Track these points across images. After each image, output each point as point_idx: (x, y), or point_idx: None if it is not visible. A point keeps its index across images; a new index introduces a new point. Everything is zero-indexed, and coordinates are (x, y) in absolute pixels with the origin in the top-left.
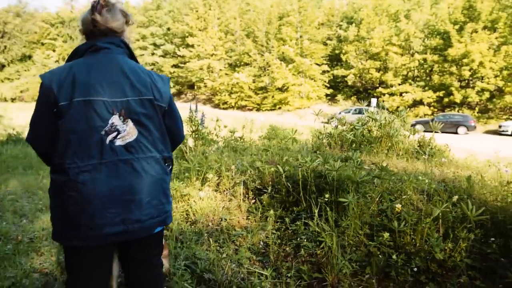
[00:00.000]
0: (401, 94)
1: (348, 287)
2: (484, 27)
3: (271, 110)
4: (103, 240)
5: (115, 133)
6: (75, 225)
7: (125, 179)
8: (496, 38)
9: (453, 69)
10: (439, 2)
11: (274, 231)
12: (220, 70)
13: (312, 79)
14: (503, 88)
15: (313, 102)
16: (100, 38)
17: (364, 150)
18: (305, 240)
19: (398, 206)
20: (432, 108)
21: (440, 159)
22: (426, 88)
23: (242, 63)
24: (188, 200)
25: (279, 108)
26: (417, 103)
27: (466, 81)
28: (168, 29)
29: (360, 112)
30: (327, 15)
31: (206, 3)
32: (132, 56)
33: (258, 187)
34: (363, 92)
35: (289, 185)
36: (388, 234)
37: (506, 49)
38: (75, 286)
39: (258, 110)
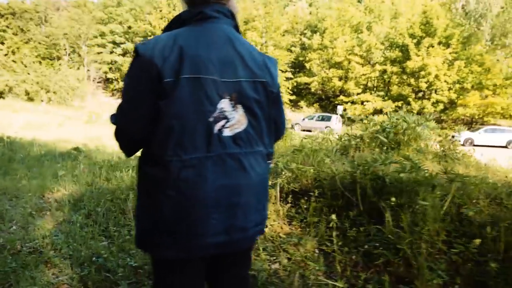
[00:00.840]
0: (362, 103)
1: None
2: (439, 43)
3: None
4: (204, 252)
5: (223, 121)
6: (172, 232)
7: (232, 178)
8: (450, 53)
9: (411, 80)
10: (398, 17)
11: (327, 237)
12: None
13: None
14: (456, 100)
15: None
16: (205, 5)
17: (394, 152)
18: (380, 248)
19: (482, 210)
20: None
21: (468, 162)
22: (386, 97)
23: None
24: None
25: None
26: (377, 111)
27: (423, 92)
28: (129, 27)
29: (323, 119)
30: (292, 23)
31: (170, 3)
32: (238, 31)
33: (296, 190)
34: (325, 99)
35: (342, 188)
36: (479, 240)
37: (459, 64)
38: None
39: None
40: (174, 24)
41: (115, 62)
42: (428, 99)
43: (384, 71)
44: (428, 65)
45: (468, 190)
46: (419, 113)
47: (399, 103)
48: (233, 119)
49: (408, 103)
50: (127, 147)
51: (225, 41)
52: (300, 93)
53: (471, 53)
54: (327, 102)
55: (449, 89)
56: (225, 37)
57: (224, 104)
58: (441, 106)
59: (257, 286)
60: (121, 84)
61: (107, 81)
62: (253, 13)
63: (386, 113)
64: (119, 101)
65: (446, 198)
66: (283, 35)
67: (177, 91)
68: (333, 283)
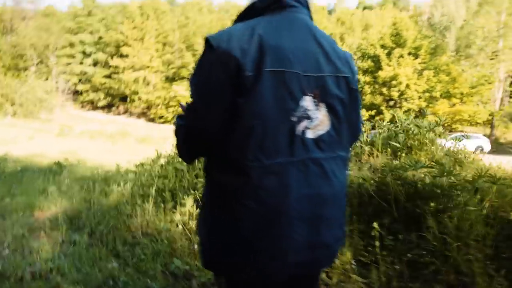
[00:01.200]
0: None
1: None
2: (409, 53)
3: None
4: (286, 273)
5: (306, 121)
6: (249, 250)
7: (315, 186)
8: (419, 63)
9: (383, 90)
10: (369, 28)
11: (362, 247)
12: (157, 83)
13: None
14: (426, 109)
15: None
16: None
17: (407, 157)
18: (428, 256)
19: None
20: (364, 125)
21: (478, 166)
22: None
23: (180, 77)
24: None
25: None
26: None
27: (394, 101)
28: (100, 37)
29: None
30: None
31: (143, 13)
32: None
33: None
34: None
35: (373, 194)
36: None
37: (428, 74)
38: None
39: None
40: (247, 14)
41: (85, 73)
42: (400, 107)
43: (358, 81)
44: (399, 74)
45: (505, 193)
46: (391, 121)
47: (372, 112)
48: (316, 120)
49: (381, 112)
50: (194, 151)
51: (306, 32)
52: None
53: (438, 63)
54: None
55: (419, 97)
56: (305, 28)
57: (307, 102)
58: (412, 114)
59: None
60: (91, 95)
61: (76, 93)
62: (227, 24)
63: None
64: (90, 113)
65: (484, 202)
66: None
67: (259, 86)
68: None
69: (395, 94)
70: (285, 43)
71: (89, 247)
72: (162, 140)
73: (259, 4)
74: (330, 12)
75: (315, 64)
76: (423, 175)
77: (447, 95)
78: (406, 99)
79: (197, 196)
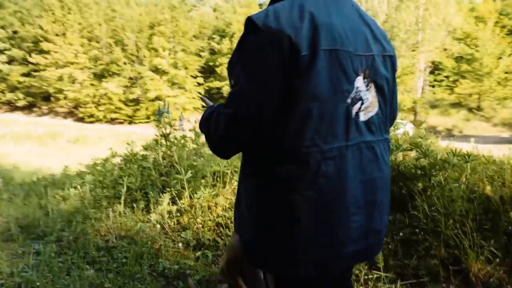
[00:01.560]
0: None
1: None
2: None
3: (145, 122)
4: (344, 264)
5: (359, 103)
6: (309, 244)
7: (368, 171)
8: None
9: None
10: None
11: None
12: (84, 80)
13: (187, 90)
14: None
15: (189, 114)
16: None
17: None
18: (420, 233)
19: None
20: None
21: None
22: None
23: (110, 73)
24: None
25: (154, 120)
26: None
27: None
28: (15, 32)
29: None
30: (199, 27)
31: (64, 6)
32: None
33: None
34: None
35: None
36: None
37: None
38: None
39: (130, 123)
40: None
41: (0, 71)
42: None
43: None
44: None
45: (477, 170)
46: None
47: None
48: (367, 101)
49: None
50: (237, 142)
51: (353, 10)
52: (213, 97)
53: None
54: None
55: None
56: (351, 6)
57: (360, 83)
58: None
59: None
60: (8, 96)
61: None
62: (158, 17)
63: None
64: (8, 115)
65: (461, 179)
66: (192, 40)
67: (316, 67)
68: (384, 274)
69: None
70: (336, 21)
71: (57, 256)
72: (98, 140)
73: None
74: (261, 6)
75: (365, 43)
76: (401, 158)
77: None
78: None
79: (173, 193)
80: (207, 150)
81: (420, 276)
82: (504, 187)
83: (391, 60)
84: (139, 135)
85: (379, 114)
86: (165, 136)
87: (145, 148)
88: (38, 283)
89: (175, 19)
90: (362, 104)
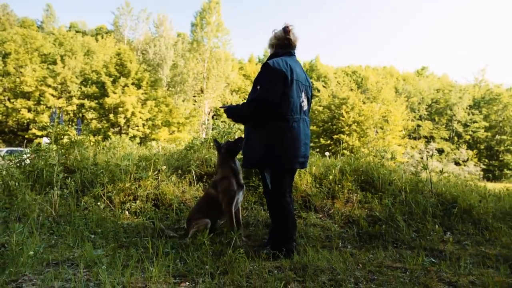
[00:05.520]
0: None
1: None
2: (133, 83)
3: None
4: (296, 166)
5: (303, 101)
6: (286, 155)
7: (306, 129)
8: (142, 93)
9: (111, 116)
10: (91, 54)
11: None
12: None
13: None
14: (149, 135)
15: None
16: (292, 49)
17: None
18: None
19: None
20: None
21: None
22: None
23: None
24: None
25: None
26: None
27: (120, 127)
28: None
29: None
30: None
31: None
32: None
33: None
34: (9, 133)
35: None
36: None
37: (150, 104)
38: (284, 197)
39: None
40: (275, 55)
41: None
42: (126, 133)
43: (82, 105)
44: (126, 102)
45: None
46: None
47: (99, 138)
48: (304, 101)
49: (107, 137)
50: (260, 114)
51: (299, 64)
52: None
53: (158, 95)
54: (11, 136)
55: (143, 125)
56: (298, 62)
57: (303, 94)
58: (137, 140)
59: None
60: None
61: None
62: None
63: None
64: None
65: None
66: None
67: (292, 85)
68: None
69: (121, 120)
70: (296, 68)
71: None
72: None
73: (281, 52)
74: (40, 28)
75: (305, 78)
76: None
77: (167, 124)
78: (131, 126)
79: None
80: None
81: None
82: None
83: (310, 87)
84: None
85: (307, 107)
86: None
87: None
88: None
89: None
90: (303, 102)
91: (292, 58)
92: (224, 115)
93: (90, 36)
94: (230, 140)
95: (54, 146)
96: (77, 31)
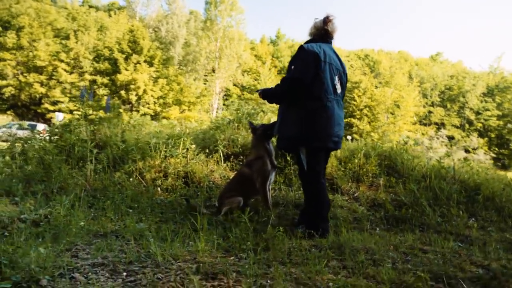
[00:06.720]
0: (71, 112)
1: None
2: (145, 61)
3: None
4: (330, 146)
5: (337, 84)
6: (319, 134)
7: (340, 110)
8: (154, 71)
9: (122, 93)
10: (104, 30)
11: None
12: None
13: None
14: (160, 113)
15: None
16: (330, 38)
17: None
18: None
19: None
20: None
21: None
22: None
23: None
24: None
25: None
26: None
27: (131, 105)
28: None
29: (24, 129)
30: None
31: None
32: None
33: None
34: (22, 107)
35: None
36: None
37: (162, 82)
38: (319, 178)
39: None
40: (312, 40)
41: None
42: (137, 111)
43: (94, 81)
44: (138, 79)
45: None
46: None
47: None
48: (338, 83)
49: (119, 114)
50: (294, 92)
51: (333, 50)
52: None
53: (169, 73)
54: (24, 110)
55: (154, 103)
56: (332, 48)
57: (337, 77)
58: (148, 118)
59: None
60: None
61: None
62: None
63: None
64: None
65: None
66: None
67: (325, 67)
68: None
69: (133, 98)
70: (329, 53)
71: None
72: None
73: (318, 38)
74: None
75: (339, 64)
76: None
77: (178, 102)
78: (142, 104)
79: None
80: None
81: None
82: None
83: (345, 74)
84: None
85: (342, 89)
86: None
87: None
88: None
89: None
90: (336, 85)
91: (328, 45)
92: (234, 95)
93: (103, 12)
94: (265, 123)
95: (84, 121)
96: (90, 6)
